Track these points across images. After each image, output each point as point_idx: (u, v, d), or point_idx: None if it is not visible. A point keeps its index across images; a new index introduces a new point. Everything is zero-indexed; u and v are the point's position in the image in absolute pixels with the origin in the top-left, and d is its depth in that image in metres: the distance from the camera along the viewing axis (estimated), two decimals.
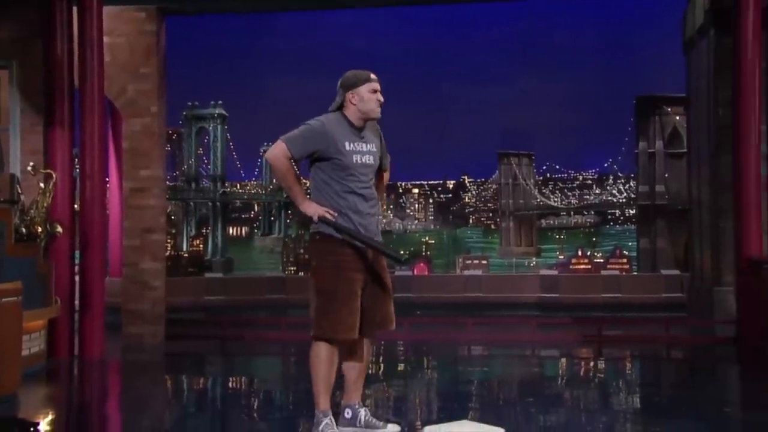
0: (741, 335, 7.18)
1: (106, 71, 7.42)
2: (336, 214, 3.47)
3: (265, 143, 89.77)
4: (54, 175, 6.64)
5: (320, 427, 3.51)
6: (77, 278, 7.14)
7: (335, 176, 3.50)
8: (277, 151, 3.46)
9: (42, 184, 6.58)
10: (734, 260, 7.63)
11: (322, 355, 3.52)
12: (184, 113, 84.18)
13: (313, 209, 3.48)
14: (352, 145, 3.50)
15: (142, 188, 8.45)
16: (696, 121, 15.83)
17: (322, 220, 3.46)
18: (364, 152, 3.53)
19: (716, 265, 13.03)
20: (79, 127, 7.09)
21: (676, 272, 21.16)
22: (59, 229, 6.50)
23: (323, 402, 3.54)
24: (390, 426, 3.72)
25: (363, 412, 3.66)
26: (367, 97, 3.52)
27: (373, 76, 3.56)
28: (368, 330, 3.60)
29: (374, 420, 3.67)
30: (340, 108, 3.56)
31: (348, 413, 3.67)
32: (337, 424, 3.59)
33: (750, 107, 7.17)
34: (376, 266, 3.57)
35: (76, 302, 7.11)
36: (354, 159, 3.49)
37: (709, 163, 14.00)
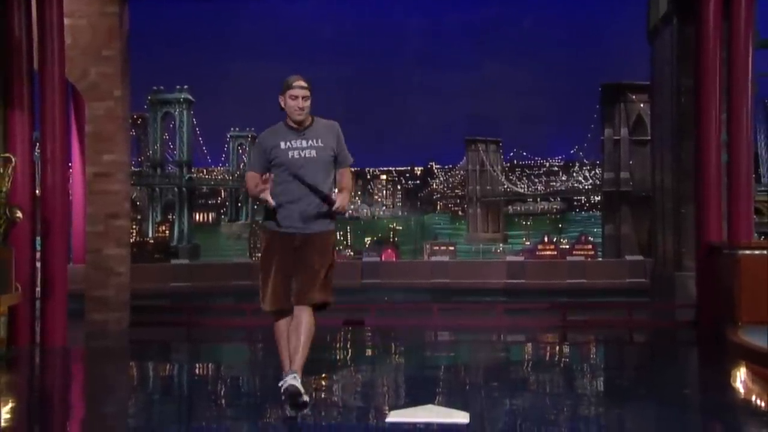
0: (700, 319, 7.34)
1: (67, 54, 7.27)
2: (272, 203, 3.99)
3: (232, 128, 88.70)
4: (13, 159, 6.50)
5: (281, 382, 3.91)
6: (39, 264, 7.02)
7: (277, 171, 4.05)
8: (245, 178, 4.14)
9: (0, 169, 6.44)
10: (695, 246, 7.78)
11: (274, 326, 4.08)
12: (149, 97, 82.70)
13: (261, 194, 3.95)
14: (287, 143, 4.05)
15: (105, 173, 8.32)
16: (659, 108, 16.06)
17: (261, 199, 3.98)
18: (297, 148, 4.05)
19: (678, 251, 13.29)
20: (39, 111, 6.94)
21: (640, 258, 21.50)
22: (19, 214, 6.37)
23: (285, 365, 4.00)
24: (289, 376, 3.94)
25: (290, 378, 3.88)
26: (288, 103, 4.05)
27: (296, 83, 4.05)
28: (295, 300, 4.01)
29: (299, 390, 3.86)
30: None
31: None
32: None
33: (710, 96, 7.29)
34: (305, 248, 4.01)
35: (38, 289, 6.99)
36: (288, 155, 4.03)
37: (671, 150, 14.23)
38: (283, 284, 4.01)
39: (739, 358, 5.57)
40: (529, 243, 72.14)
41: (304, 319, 4.00)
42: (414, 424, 3.78)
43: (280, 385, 3.93)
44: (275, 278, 4.02)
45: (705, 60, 7.30)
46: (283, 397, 3.89)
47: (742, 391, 5.08)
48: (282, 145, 4.04)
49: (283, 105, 4.07)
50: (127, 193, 8.58)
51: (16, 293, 6.40)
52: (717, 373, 5.70)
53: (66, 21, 7.29)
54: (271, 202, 3.97)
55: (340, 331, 7.78)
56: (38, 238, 7.04)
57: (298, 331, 3.99)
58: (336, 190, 4.11)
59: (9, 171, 6.41)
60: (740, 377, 5.30)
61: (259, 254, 4.17)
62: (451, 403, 4.24)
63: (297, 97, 4.04)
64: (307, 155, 4.03)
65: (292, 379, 3.87)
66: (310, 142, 4.07)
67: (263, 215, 4.14)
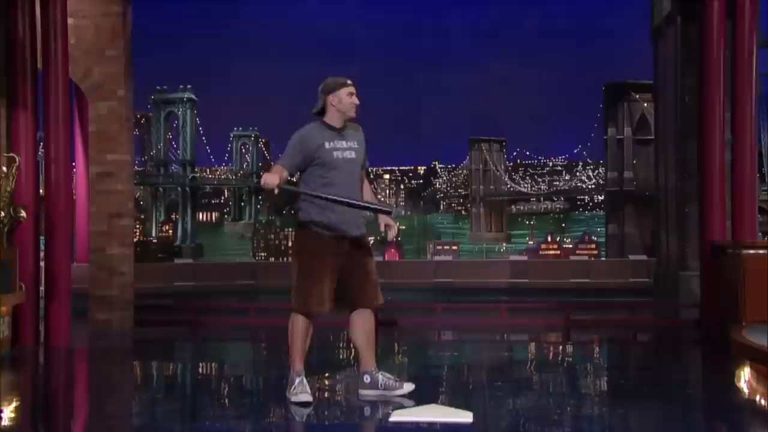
0: (704, 319, 7.32)
1: (70, 53, 7.28)
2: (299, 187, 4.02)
3: (236, 128, 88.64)
4: (17, 159, 6.52)
5: (294, 384, 4.05)
6: (43, 264, 7.03)
7: (319, 173, 4.02)
8: (271, 172, 3.96)
9: (5, 168, 6.46)
10: (698, 245, 7.76)
11: (298, 325, 4.05)
12: (153, 97, 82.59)
13: (270, 179, 3.88)
14: (331, 143, 4.03)
15: (109, 173, 8.32)
16: (663, 108, 16.01)
17: (279, 186, 3.89)
18: (340, 148, 4.05)
19: (681, 251, 13.24)
20: (43, 111, 6.96)
21: (644, 257, 21.43)
22: (23, 213, 6.39)
23: (297, 364, 4.07)
24: (406, 384, 4.24)
25: (380, 377, 4.18)
26: (345, 99, 4.05)
27: (349, 81, 4.09)
28: (357, 304, 4.13)
29: (391, 381, 4.20)
30: (321, 111, 4.10)
31: (367, 379, 4.19)
32: (359, 390, 4.20)
33: (714, 95, 7.27)
34: (355, 252, 4.09)
35: (42, 288, 7.01)
36: (334, 155, 4.02)
37: (675, 149, 14.18)
38: (332, 288, 4.06)
39: (744, 357, 5.56)
40: (532, 242, 71.95)
41: (370, 321, 4.17)
42: (417, 424, 3.78)
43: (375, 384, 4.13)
44: (327, 282, 4.03)
45: (709, 59, 7.29)
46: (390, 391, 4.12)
47: (746, 390, 5.07)
48: (326, 144, 4.03)
49: (334, 103, 4.05)
50: (130, 193, 8.58)
51: (20, 292, 6.42)
52: (721, 372, 5.69)
53: (69, 21, 7.30)
54: (267, 185, 3.87)
55: (343, 331, 7.78)
56: (42, 238, 7.05)
57: (366, 332, 4.16)
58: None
59: (13, 171, 6.43)
60: (744, 377, 5.29)
61: (297, 254, 4.09)
62: (454, 403, 4.24)
63: (353, 94, 4.08)
64: (348, 156, 4.07)
65: (382, 375, 4.16)
66: (348, 143, 4.11)
67: (302, 215, 4.06)
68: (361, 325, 4.17)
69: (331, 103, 4.07)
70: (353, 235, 4.08)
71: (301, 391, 4.04)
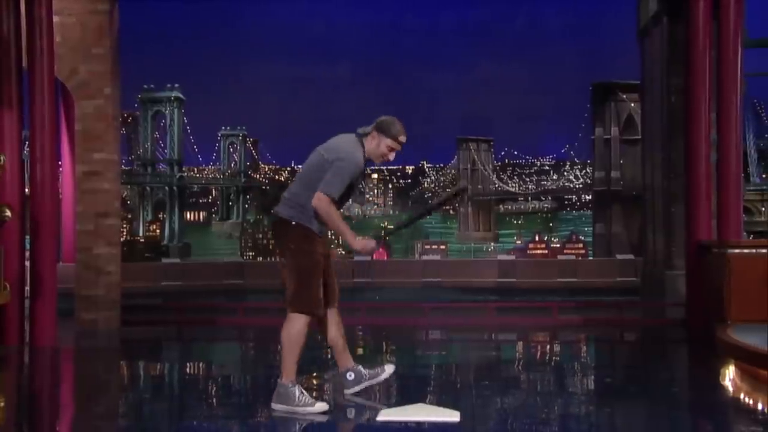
0: (690, 318, 7.37)
1: (56, 52, 7.23)
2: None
3: (223, 127, 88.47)
4: (2, 158, 6.47)
5: (297, 396, 3.93)
6: (28, 264, 6.98)
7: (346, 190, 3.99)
8: (328, 207, 3.90)
9: None
10: (684, 245, 7.81)
11: (300, 328, 3.96)
12: (140, 96, 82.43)
13: (363, 243, 3.98)
14: (362, 173, 4.08)
15: (95, 172, 8.27)
16: (650, 107, 16.11)
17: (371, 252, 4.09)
18: (360, 178, 4.11)
19: (668, 250, 13.34)
20: (28, 109, 6.91)
21: (631, 257, 21.56)
22: (8, 213, 6.34)
23: (293, 372, 3.98)
24: (387, 366, 4.32)
25: (361, 369, 4.25)
26: (383, 149, 4.01)
27: (402, 137, 4.03)
28: (331, 304, 4.17)
29: (372, 370, 4.27)
30: (364, 136, 4.04)
31: (351, 375, 4.24)
32: (345, 389, 4.23)
33: (700, 95, 7.32)
34: (328, 253, 4.17)
35: (27, 288, 6.96)
36: (358, 183, 4.08)
37: (662, 149, 14.28)
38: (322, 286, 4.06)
39: (729, 356, 5.60)
40: (520, 242, 72.27)
41: (339, 316, 4.24)
42: (405, 423, 3.78)
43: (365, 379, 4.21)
44: (321, 281, 4.02)
45: (694, 59, 7.33)
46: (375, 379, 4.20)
47: (731, 389, 5.11)
48: (362, 173, 4.09)
49: (373, 142, 4.00)
50: (117, 192, 8.54)
51: (5, 292, 6.37)
52: (706, 371, 5.73)
53: (55, 18, 7.25)
54: (370, 248, 3.98)
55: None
56: (27, 237, 7.00)
57: (342, 331, 4.23)
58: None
59: None
60: (729, 376, 5.33)
61: (295, 253, 3.97)
62: (442, 402, 4.25)
63: (393, 151, 4.05)
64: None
65: (361, 367, 4.25)
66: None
67: (296, 211, 3.98)
68: (337, 324, 4.19)
69: (372, 137, 4.01)
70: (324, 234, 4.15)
71: (310, 402, 3.96)
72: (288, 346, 3.96)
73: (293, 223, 3.98)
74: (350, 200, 4.10)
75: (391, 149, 4.02)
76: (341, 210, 4.06)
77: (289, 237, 3.98)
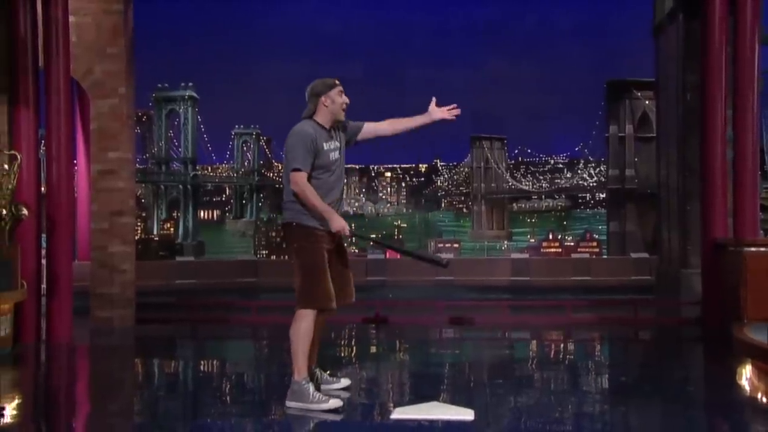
0: (706, 316, 7.32)
1: (72, 51, 7.28)
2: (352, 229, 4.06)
3: (237, 126, 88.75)
4: (19, 157, 6.52)
5: (311, 393, 3.96)
6: (44, 262, 7.03)
7: (313, 174, 4.01)
8: (301, 181, 3.95)
9: (6, 166, 6.46)
10: (700, 243, 7.75)
11: (309, 324, 4.00)
12: (154, 95, 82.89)
13: (341, 224, 3.97)
14: (327, 144, 4.05)
15: (110, 170, 8.32)
16: (665, 105, 15.99)
17: (353, 233, 4.09)
18: (333, 149, 4.09)
19: (683, 248, 13.23)
20: (45, 108, 6.96)
21: (645, 255, 21.41)
22: (24, 211, 6.39)
23: (304, 369, 4.00)
24: (343, 380, 4.46)
25: (318, 372, 4.31)
26: (337, 99, 4.08)
27: (337, 81, 4.11)
28: (346, 298, 4.23)
29: (328, 377, 4.42)
30: (311, 115, 4.08)
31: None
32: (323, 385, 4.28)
33: (716, 92, 7.26)
34: (339, 247, 4.20)
35: (43, 286, 7.01)
36: (330, 156, 4.05)
37: (677, 147, 14.17)
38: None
39: (745, 355, 5.56)
40: (533, 240, 72.08)
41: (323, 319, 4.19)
42: (419, 421, 3.78)
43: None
44: (328, 276, 4.03)
45: (711, 56, 7.27)
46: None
47: (747, 388, 5.07)
48: (324, 146, 4.04)
49: (326, 104, 4.06)
50: (132, 191, 8.58)
51: (21, 290, 6.42)
52: (722, 370, 5.68)
53: (71, 19, 7.30)
54: (347, 232, 3.99)
55: (344, 328, 7.79)
56: (44, 236, 7.06)
57: (319, 331, 4.19)
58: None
59: (15, 168, 6.43)
60: (746, 375, 5.29)
61: (299, 251, 4.02)
62: (455, 400, 4.24)
63: (343, 92, 4.10)
64: (337, 156, 4.11)
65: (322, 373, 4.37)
66: (335, 143, 4.13)
67: (294, 213, 4.03)
68: (322, 322, 4.16)
69: (323, 104, 4.07)
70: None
71: (324, 399, 3.99)
72: (296, 344, 3.99)
73: (293, 224, 4.05)
74: (363, 198, 4.09)
75: (341, 92, 4.09)
76: (340, 197, 4.11)
77: (292, 238, 4.06)
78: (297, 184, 3.95)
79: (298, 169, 3.95)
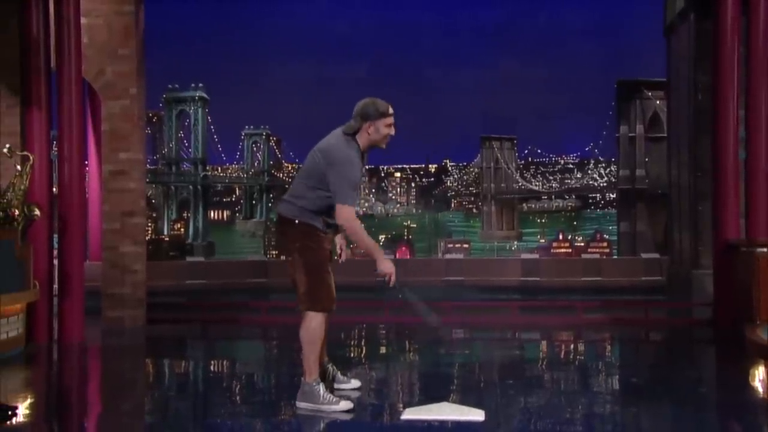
0: (717, 317, 7.27)
1: (83, 52, 7.32)
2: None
3: (247, 126, 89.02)
4: (31, 157, 6.56)
5: (322, 395, 3.95)
6: (56, 262, 7.07)
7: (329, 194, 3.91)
8: (351, 217, 3.85)
9: (19, 167, 6.50)
10: (712, 243, 7.71)
11: (318, 324, 3.97)
12: (164, 96, 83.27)
13: (391, 268, 3.90)
14: (362, 170, 4.01)
15: (121, 171, 8.35)
16: (676, 105, 15.93)
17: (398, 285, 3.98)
18: (363, 174, 4.13)
19: (694, 249, 13.19)
20: (57, 109, 7.00)
21: (656, 256, 21.31)
22: (37, 212, 6.43)
23: (315, 371, 3.99)
24: (353, 381, 4.47)
25: (330, 367, 4.37)
26: (383, 131, 3.93)
27: (390, 110, 3.94)
28: None
29: (340, 376, 4.44)
30: (353, 133, 3.94)
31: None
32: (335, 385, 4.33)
33: (728, 92, 7.21)
34: (331, 253, 4.21)
35: (55, 286, 7.05)
36: (361, 181, 4.01)
37: (688, 147, 14.12)
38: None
39: (758, 356, 5.52)
40: (544, 240, 71.87)
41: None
42: (429, 422, 3.78)
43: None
44: (331, 276, 4.04)
45: (722, 56, 7.22)
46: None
47: (760, 390, 5.03)
48: (363, 170, 4.03)
49: (369, 131, 3.92)
50: (142, 191, 8.62)
51: (34, 290, 6.46)
52: (735, 371, 5.65)
53: (83, 20, 7.33)
54: (393, 279, 3.92)
55: (354, 329, 7.79)
56: (55, 236, 7.10)
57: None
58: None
59: (27, 169, 6.47)
60: (758, 376, 5.26)
61: (304, 250, 3.97)
62: (466, 401, 4.24)
63: (392, 126, 3.96)
64: (363, 181, 4.16)
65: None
66: (364, 168, 4.09)
67: (299, 210, 3.98)
68: (327, 321, 4.14)
69: (366, 130, 3.93)
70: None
71: (335, 400, 3.98)
72: (307, 346, 3.97)
73: (296, 221, 3.98)
74: (373, 199, 4.13)
75: (389, 125, 3.95)
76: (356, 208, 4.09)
77: (294, 235, 3.99)
78: (348, 220, 3.86)
79: (348, 203, 3.84)
